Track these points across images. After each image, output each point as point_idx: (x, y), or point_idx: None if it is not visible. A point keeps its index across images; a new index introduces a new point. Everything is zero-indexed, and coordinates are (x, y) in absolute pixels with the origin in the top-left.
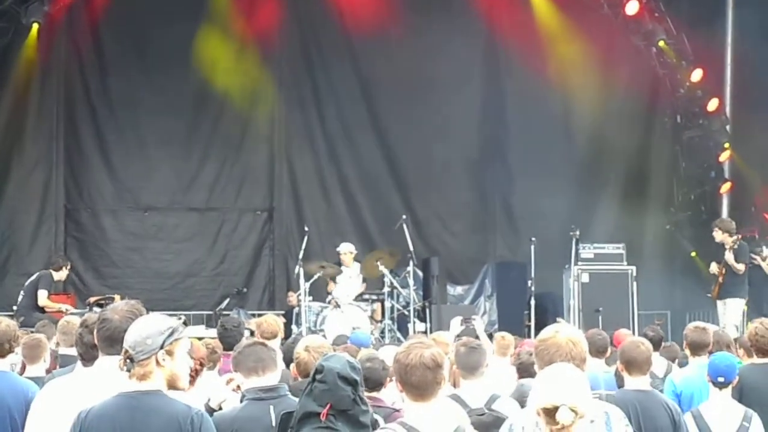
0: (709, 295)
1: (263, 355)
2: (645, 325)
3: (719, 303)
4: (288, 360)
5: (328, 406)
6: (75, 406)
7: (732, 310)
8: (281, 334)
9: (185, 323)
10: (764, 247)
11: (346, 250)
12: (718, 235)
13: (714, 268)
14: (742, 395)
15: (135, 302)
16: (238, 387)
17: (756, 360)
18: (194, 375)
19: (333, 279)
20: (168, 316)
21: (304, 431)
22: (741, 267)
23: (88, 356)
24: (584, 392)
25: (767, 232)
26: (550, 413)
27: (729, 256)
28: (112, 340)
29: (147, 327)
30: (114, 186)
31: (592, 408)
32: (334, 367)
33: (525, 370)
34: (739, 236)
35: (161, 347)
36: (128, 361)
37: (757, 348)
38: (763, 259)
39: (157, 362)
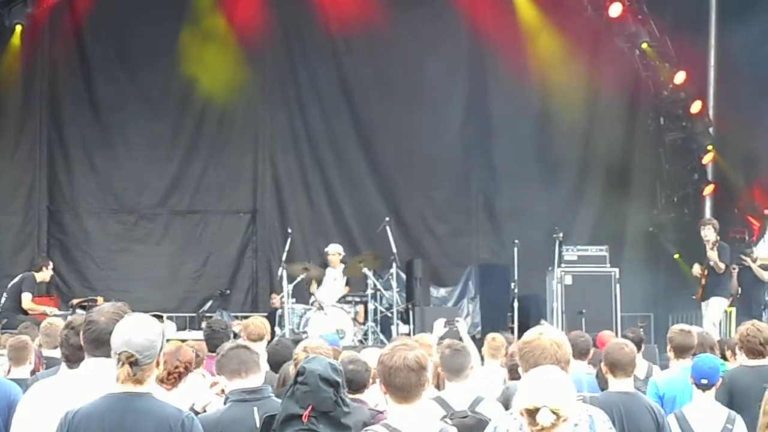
0: (694, 297)
1: (246, 358)
2: (628, 328)
3: (703, 304)
4: (273, 362)
5: (309, 407)
6: (61, 407)
7: (713, 309)
8: (268, 336)
9: (161, 317)
10: (753, 249)
11: (335, 251)
12: (711, 233)
13: (697, 269)
14: (732, 397)
15: (121, 304)
16: (222, 391)
17: (746, 362)
18: (177, 377)
19: (316, 281)
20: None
21: None
22: (722, 266)
23: (74, 358)
24: (567, 395)
25: (753, 234)
26: (532, 414)
27: (713, 254)
28: (99, 342)
29: (149, 331)
30: (97, 188)
31: (576, 411)
32: (315, 369)
33: (517, 372)
34: (718, 237)
35: (161, 349)
36: (133, 365)
37: (748, 348)
38: (753, 261)
39: (158, 364)
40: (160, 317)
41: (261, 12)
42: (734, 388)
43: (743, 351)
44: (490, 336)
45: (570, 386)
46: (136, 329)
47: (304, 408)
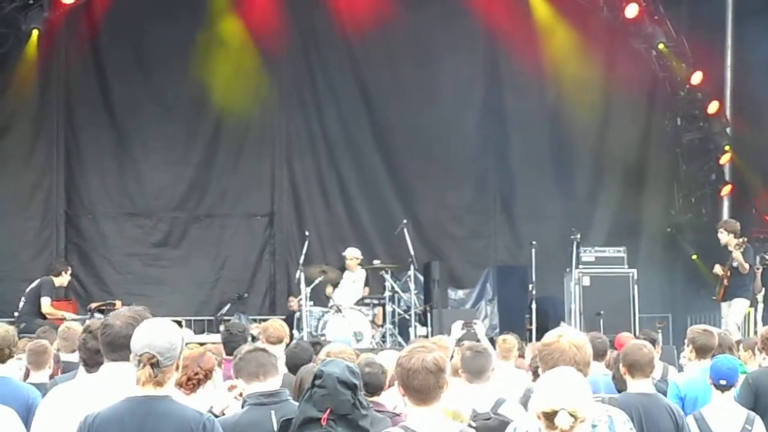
0: (714, 298)
1: (264, 361)
2: (643, 330)
3: (724, 305)
4: (291, 365)
5: (328, 411)
6: (79, 411)
7: (735, 311)
8: (287, 339)
9: (180, 324)
10: None
11: (352, 255)
12: (724, 237)
13: (718, 269)
14: (757, 398)
15: (141, 308)
16: (241, 394)
17: None
18: (196, 383)
19: (333, 284)
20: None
21: None
22: (747, 267)
23: (92, 362)
24: (585, 397)
25: None
26: (550, 417)
27: (738, 255)
28: (114, 345)
29: (170, 333)
30: (114, 192)
31: (595, 412)
32: (333, 372)
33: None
34: (745, 238)
35: (180, 353)
36: (154, 367)
37: None
38: None
39: (177, 367)
40: (179, 323)
41: (277, 15)
42: (759, 389)
43: (765, 352)
44: (501, 338)
45: (586, 387)
46: (158, 332)
47: (322, 411)
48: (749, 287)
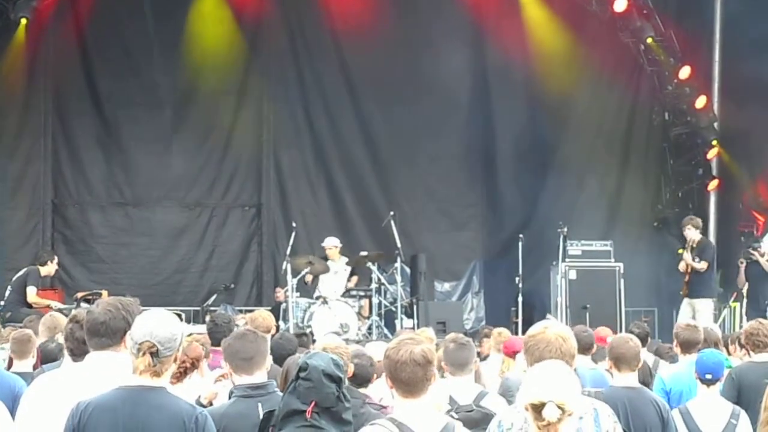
0: (681, 292)
1: (253, 350)
2: (632, 322)
3: (685, 301)
4: (277, 356)
5: (312, 403)
6: (65, 400)
7: (702, 313)
8: (273, 330)
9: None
10: (762, 243)
11: (331, 244)
12: (691, 233)
13: (682, 265)
14: (740, 393)
15: (132, 300)
16: (225, 376)
17: (757, 358)
18: (183, 373)
19: (317, 276)
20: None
21: (288, 429)
22: (703, 265)
23: (78, 351)
24: (573, 389)
25: (758, 228)
26: (537, 409)
27: (687, 256)
28: (91, 333)
29: (172, 324)
30: (101, 181)
31: (581, 404)
32: (318, 365)
33: None
34: (701, 236)
35: (179, 345)
36: (153, 356)
37: (753, 343)
38: (761, 255)
39: (175, 359)
40: (178, 315)
41: (265, 8)
42: (742, 383)
43: (749, 346)
44: (496, 330)
45: (575, 381)
46: (160, 322)
47: (307, 404)
48: (712, 285)
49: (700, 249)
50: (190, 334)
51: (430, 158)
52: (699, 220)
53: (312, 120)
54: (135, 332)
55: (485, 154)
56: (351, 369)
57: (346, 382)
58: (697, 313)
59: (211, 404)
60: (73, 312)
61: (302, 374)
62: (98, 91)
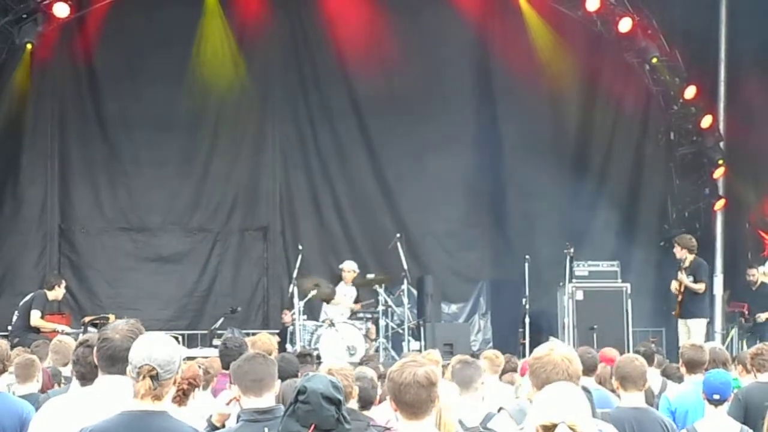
0: (673, 313)
1: (262, 373)
2: (640, 342)
3: (680, 322)
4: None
5: (312, 427)
6: (73, 425)
7: (695, 333)
8: (275, 353)
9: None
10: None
11: (350, 268)
12: (678, 252)
13: (674, 285)
14: (747, 413)
15: (135, 321)
16: (236, 399)
17: (762, 378)
18: (182, 394)
19: (326, 299)
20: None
21: None
22: (700, 287)
23: (90, 376)
24: (584, 411)
25: (764, 248)
26: (549, 430)
27: (682, 276)
28: (114, 360)
29: (171, 348)
30: (108, 206)
31: (593, 426)
32: (317, 388)
33: None
34: (695, 255)
35: (179, 367)
36: (153, 379)
37: (759, 364)
38: (752, 276)
39: (174, 381)
40: (176, 339)
41: (270, 29)
42: (749, 403)
43: (755, 367)
44: (492, 353)
45: (586, 402)
46: (158, 345)
47: (306, 427)
48: (705, 305)
49: (694, 268)
50: (193, 358)
51: (437, 179)
52: (688, 238)
53: (318, 141)
54: (134, 356)
55: (492, 174)
56: (355, 391)
57: (347, 404)
58: (690, 333)
59: (223, 426)
60: (84, 336)
61: (301, 397)
62: (104, 116)
